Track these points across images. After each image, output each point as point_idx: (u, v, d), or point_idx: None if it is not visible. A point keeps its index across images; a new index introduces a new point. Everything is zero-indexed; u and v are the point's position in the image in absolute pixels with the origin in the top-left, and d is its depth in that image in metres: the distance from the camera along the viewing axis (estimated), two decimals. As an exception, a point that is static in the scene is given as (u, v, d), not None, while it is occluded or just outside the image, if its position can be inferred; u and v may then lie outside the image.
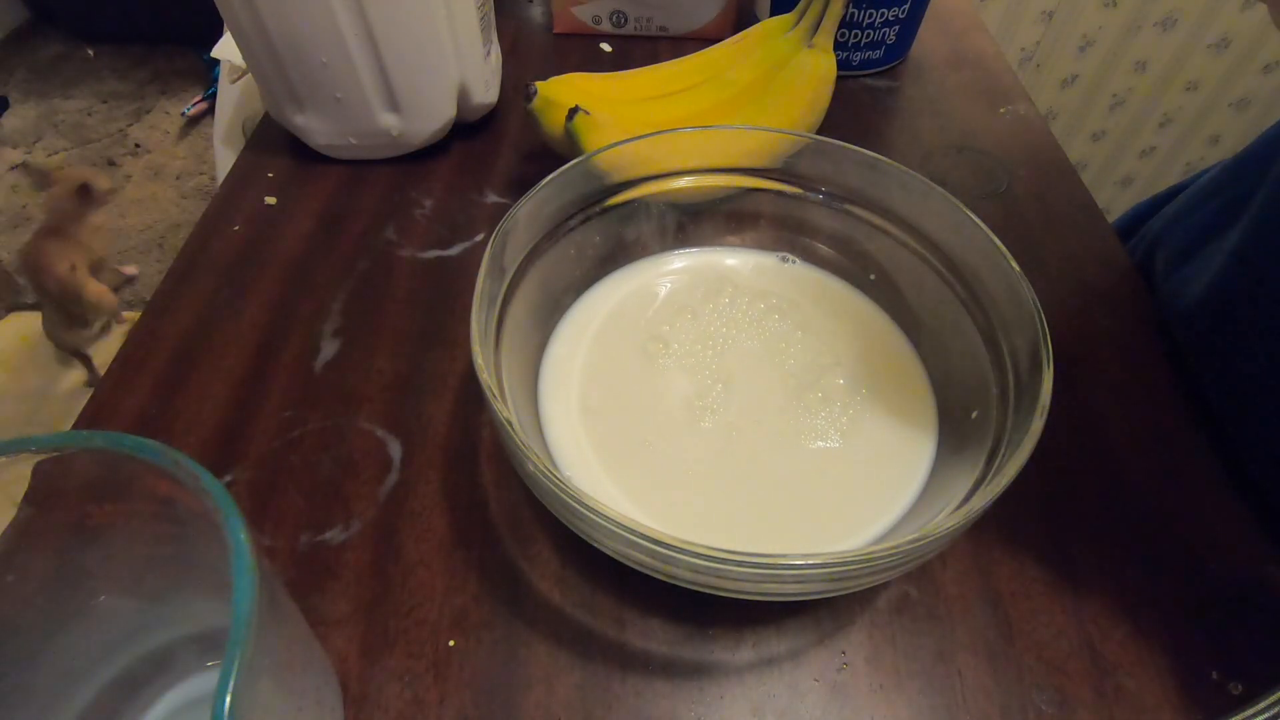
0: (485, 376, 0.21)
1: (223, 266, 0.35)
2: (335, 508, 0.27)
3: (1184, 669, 0.24)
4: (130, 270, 1.33)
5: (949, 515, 0.20)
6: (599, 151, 0.28)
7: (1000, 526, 0.27)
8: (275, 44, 0.35)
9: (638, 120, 0.36)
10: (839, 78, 0.41)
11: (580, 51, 0.50)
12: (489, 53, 0.41)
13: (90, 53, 1.80)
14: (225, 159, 0.77)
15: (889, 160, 0.28)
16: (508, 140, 0.43)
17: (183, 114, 1.63)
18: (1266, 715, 0.20)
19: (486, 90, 0.41)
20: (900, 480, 0.26)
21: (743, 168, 0.31)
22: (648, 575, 0.21)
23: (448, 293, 0.34)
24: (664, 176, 0.30)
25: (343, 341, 0.32)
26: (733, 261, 0.33)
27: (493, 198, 0.39)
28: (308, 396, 0.30)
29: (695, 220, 0.33)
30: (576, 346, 0.29)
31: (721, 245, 0.33)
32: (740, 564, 0.18)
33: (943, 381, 0.28)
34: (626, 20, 0.51)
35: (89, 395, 0.30)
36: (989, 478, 0.21)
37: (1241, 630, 0.25)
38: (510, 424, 0.20)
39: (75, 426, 0.29)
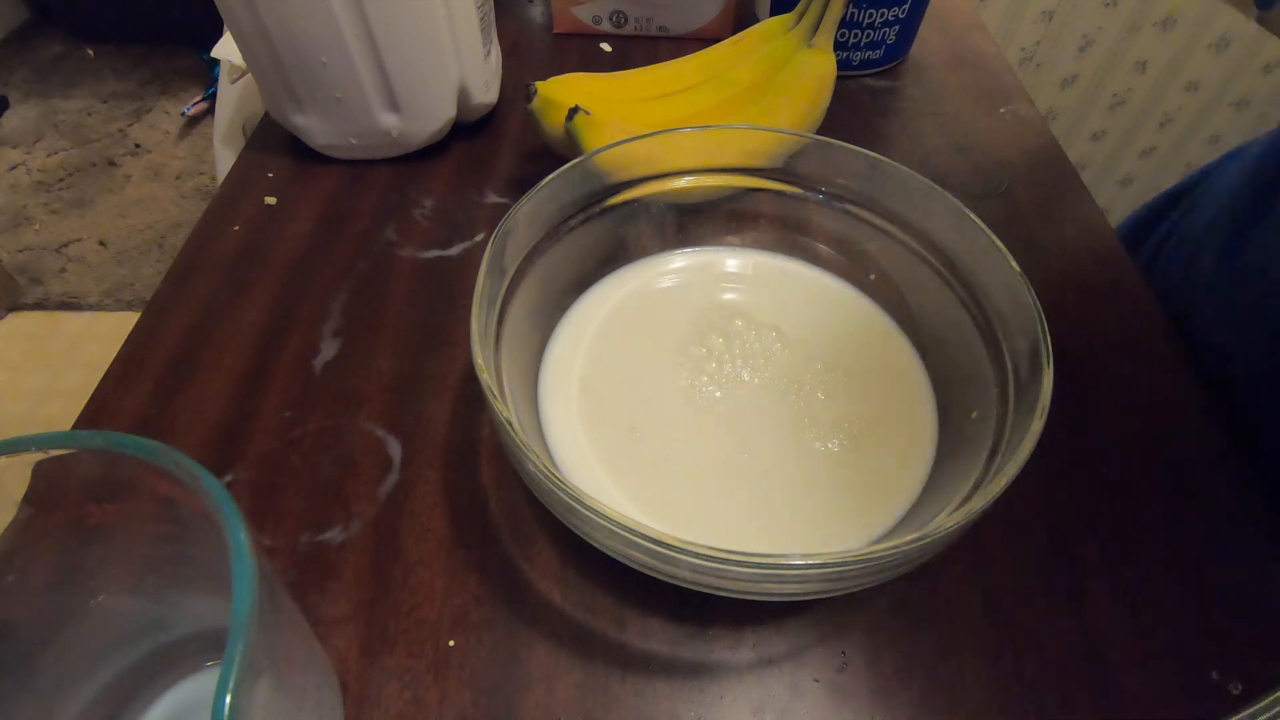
0: (485, 376, 0.21)
1: (223, 266, 0.35)
2: (335, 508, 0.27)
3: (1184, 669, 0.24)
4: None
5: (949, 515, 0.20)
6: (599, 151, 0.28)
7: (1000, 526, 0.27)
8: (275, 44, 0.35)
9: (638, 120, 0.36)
10: (839, 78, 0.41)
11: (580, 51, 0.50)
12: (489, 53, 0.41)
13: (90, 53, 1.80)
14: (225, 159, 0.76)
15: (889, 160, 0.28)
16: (508, 140, 0.43)
17: (183, 114, 1.63)
18: (1266, 715, 0.20)
19: (486, 90, 0.41)
20: (900, 480, 0.26)
21: (743, 168, 0.31)
22: (648, 575, 0.21)
23: (448, 293, 0.34)
24: (664, 176, 0.30)
25: (343, 341, 0.32)
26: (733, 261, 0.33)
27: (493, 198, 0.39)
28: (308, 396, 0.30)
29: (695, 220, 0.33)
30: (576, 347, 0.29)
31: (721, 245, 0.33)
32: (740, 564, 0.18)
33: (943, 381, 0.28)
34: (626, 20, 0.51)
35: (89, 395, 0.30)
36: (989, 478, 0.21)
37: (1241, 630, 0.25)
38: (510, 424, 0.20)
39: (75, 426, 0.29)
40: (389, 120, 0.39)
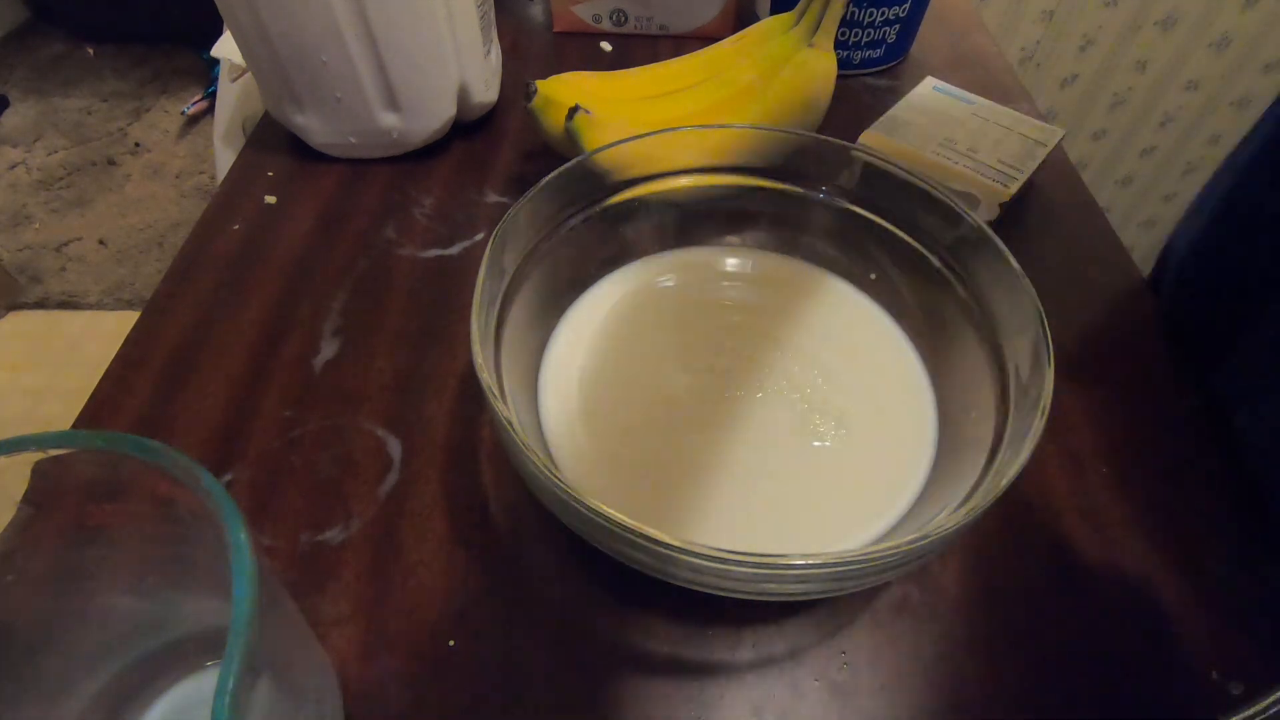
0: (485, 376, 0.21)
1: (223, 266, 0.35)
2: (335, 507, 0.27)
3: (1184, 669, 0.24)
4: None
5: (949, 515, 0.20)
6: (599, 151, 0.28)
7: (1000, 526, 0.27)
8: (275, 44, 0.35)
9: (637, 119, 0.36)
10: (839, 77, 0.41)
11: (580, 50, 0.50)
12: (489, 52, 0.41)
13: (90, 52, 1.79)
14: (225, 158, 0.76)
15: (889, 160, 0.28)
16: (508, 140, 0.43)
17: (183, 113, 1.63)
18: (1266, 715, 0.20)
19: (486, 90, 0.41)
20: (900, 480, 0.26)
21: (743, 167, 0.31)
22: (648, 575, 0.21)
23: (448, 293, 0.34)
24: (664, 176, 0.30)
25: (343, 341, 0.32)
26: (733, 261, 0.33)
27: (493, 197, 0.39)
28: (308, 396, 0.30)
29: (695, 220, 0.33)
30: (576, 346, 0.29)
31: (721, 245, 0.33)
32: (740, 564, 0.18)
33: (943, 381, 0.28)
34: (626, 19, 0.51)
35: (89, 395, 0.30)
36: (989, 478, 0.21)
37: (1241, 630, 0.25)
38: (510, 424, 0.20)
39: (75, 426, 0.29)
40: (389, 120, 0.39)
